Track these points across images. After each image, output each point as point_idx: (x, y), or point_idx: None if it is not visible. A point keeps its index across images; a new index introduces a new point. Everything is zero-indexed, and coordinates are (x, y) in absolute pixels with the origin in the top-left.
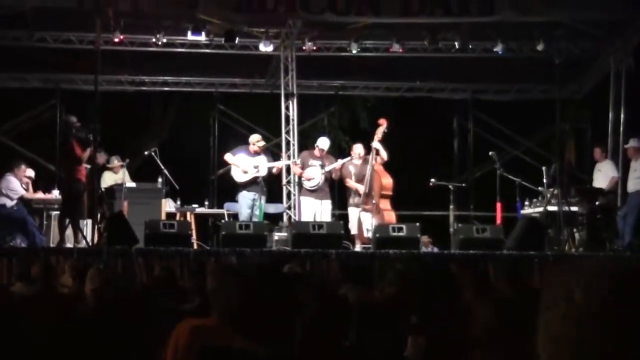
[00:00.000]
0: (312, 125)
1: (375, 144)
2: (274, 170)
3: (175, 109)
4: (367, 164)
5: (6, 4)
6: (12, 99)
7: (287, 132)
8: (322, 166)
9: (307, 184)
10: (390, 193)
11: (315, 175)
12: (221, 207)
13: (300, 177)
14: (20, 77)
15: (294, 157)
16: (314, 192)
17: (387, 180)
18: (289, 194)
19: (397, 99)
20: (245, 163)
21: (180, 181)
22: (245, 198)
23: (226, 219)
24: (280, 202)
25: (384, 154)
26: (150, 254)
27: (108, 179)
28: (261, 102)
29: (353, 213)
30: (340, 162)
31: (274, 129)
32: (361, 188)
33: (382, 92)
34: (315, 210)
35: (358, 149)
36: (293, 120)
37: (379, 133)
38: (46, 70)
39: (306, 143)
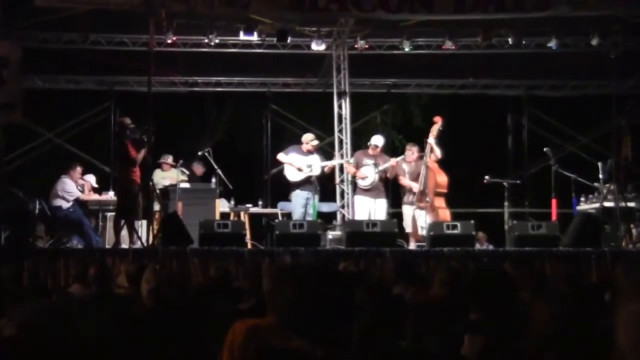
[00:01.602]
0: (365, 123)
1: (430, 140)
2: (327, 169)
3: (228, 109)
4: (421, 162)
5: (60, 7)
6: (67, 101)
7: (340, 131)
8: (376, 165)
9: (361, 183)
10: (444, 191)
11: (369, 174)
12: (275, 206)
13: (354, 176)
14: (74, 79)
15: (346, 156)
16: (368, 191)
17: (442, 178)
18: (342, 192)
19: (450, 97)
20: (298, 162)
21: (234, 181)
22: (299, 197)
23: (280, 218)
24: (334, 201)
25: (438, 152)
26: (205, 254)
27: (157, 177)
28: (314, 102)
29: (407, 211)
30: (393, 160)
31: (326, 128)
32: (415, 186)
33: (434, 90)
34: (370, 209)
35: (411, 149)
36: (346, 119)
37: (434, 130)
38: (100, 73)
39: (359, 142)
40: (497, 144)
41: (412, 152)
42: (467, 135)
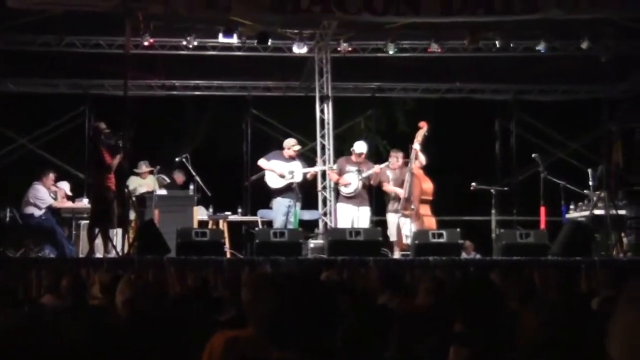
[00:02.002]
0: (349, 129)
1: (415, 146)
2: (309, 176)
3: (207, 114)
4: (406, 168)
5: (36, 9)
6: (41, 105)
7: (323, 137)
8: (360, 172)
9: (344, 190)
10: (430, 198)
11: (352, 181)
12: (255, 214)
13: (337, 183)
14: (48, 83)
15: (329, 162)
16: (351, 198)
17: (427, 185)
18: (324, 200)
19: (436, 101)
20: (280, 168)
21: (213, 188)
22: (280, 205)
23: (260, 227)
24: (316, 208)
25: (423, 158)
26: (183, 263)
27: (133, 183)
28: (295, 106)
29: (392, 219)
30: (377, 167)
31: (308, 133)
32: (400, 192)
33: (420, 94)
34: (353, 217)
35: (396, 155)
36: (328, 124)
37: (419, 136)
38: (75, 76)
39: (342, 148)
40: (485, 150)
41: (396, 158)
42: (453, 141)
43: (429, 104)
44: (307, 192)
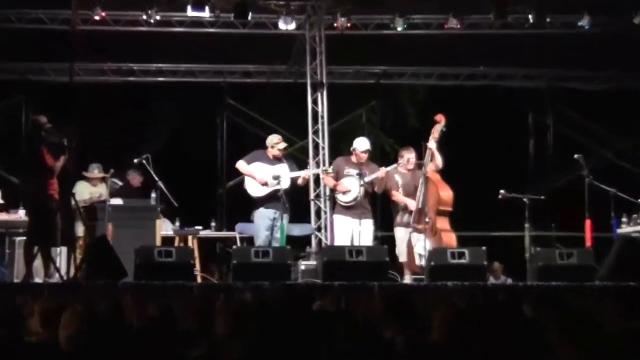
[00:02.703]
0: (348, 123)
1: (431, 144)
2: (299, 182)
3: (173, 105)
4: (419, 172)
5: None
6: None
7: (316, 133)
8: (361, 176)
9: (342, 199)
10: (449, 209)
11: (352, 187)
12: (232, 229)
13: (333, 190)
14: None
15: (324, 165)
16: (350, 208)
17: (446, 193)
18: (318, 211)
19: (454, 89)
20: (262, 173)
21: (180, 196)
22: (263, 217)
23: (239, 244)
24: (308, 221)
25: (439, 159)
26: (143, 289)
27: (83, 192)
28: (282, 95)
29: (401, 235)
30: (383, 170)
31: (298, 128)
32: (412, 203)
33: (435, 81)
34: (353, 232)
35: (407, 154)
36: (323, 117)
37: (436, 132)
38: (9, 58)
39: (340, 146)
40: (515, 149)
41: (407, 159)
42: (477, 139)
43: (446, 92)
44: (296, 202)
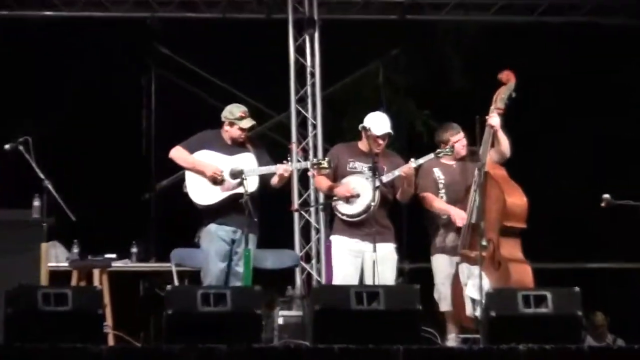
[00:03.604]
0: (353, 87)
1: (494, 120)
2: (275, 181)
3: (73, 55)
4: (472, 165)
5: None
6: None
7: (301, 102)
8: (376, 173)
9: (344, 210)
10: (521, 225)
11: (361, 190)
12: (165, 257)
13: (330, 196)
14: None
15: (316, 156)
16: (359, 226)
17: (517, 199)
18: (306, 229)
19: (525, 28)
20: (214, 165)
21: (80, 206)
22: (216, 239)
23: (176, 283)
24: (290, 247)
25: (506, 145)
26: (18, 357)
27: None
28: (246, 40)
29: (443, 267)
30: (412, 163)
31: (274, 94)
32: (461, 215)
33: (494, 16)
34: (364, 263)
35: (452, 136)
36: (313, 76)
37: (500, 100)
38: None
39: (341, 125)
40: (620, 130)
41: (451, 143)
42: (562, 113)
43: (514, 35)
44: (270, 214)
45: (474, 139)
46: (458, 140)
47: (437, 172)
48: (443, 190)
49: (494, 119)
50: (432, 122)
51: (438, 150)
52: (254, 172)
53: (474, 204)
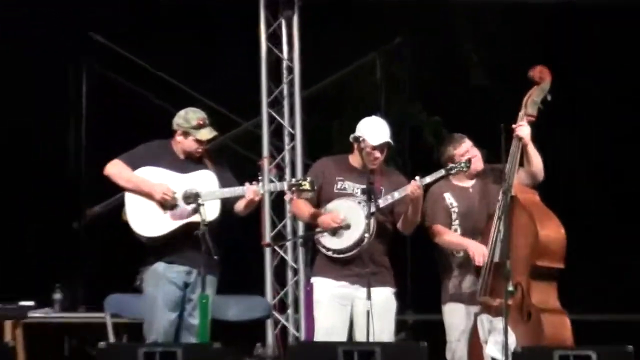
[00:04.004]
0: (343, 85)
1: (523, 130)
2: (240, 207)
3: None
4: (494, 187)
5: None
6: None
7: (275, 105)
8: (371, 194)
9: (330, 244)
10: (557, 265)
11: (353, 218)
12: (98, 305)
13: (312, 226)
14: None
15: (294, 176)
16: (348, 265)
17: (552, 231)
18: (280, 269)
19: (559, 9)
20: (164, 186)
21: None
22: (163, 282)
23: (111, 338)
24: (260, 293)
25: (537, 163)
26: None
27: None
28: (204, 24)
29: (457, 319)
30: (416, 183)
31: (240, 97)
32: (480, 251)
33: None
34: (354, 313)
35: (464, 147)
36: (292, 71)
37: (530, 105)
38: None
39: (325, 135)
40: None
41: (465, 156)
42: (609, 118)
43: (546, 19)
44: (234, 250)
45: (497, 154)
46: (464, 152)
47: (449, 198)
48: (457, 221)
49: (523, 129)
50: (444, 131)
51: (450, 165)
52: (214, 195)
53: (498, 238)
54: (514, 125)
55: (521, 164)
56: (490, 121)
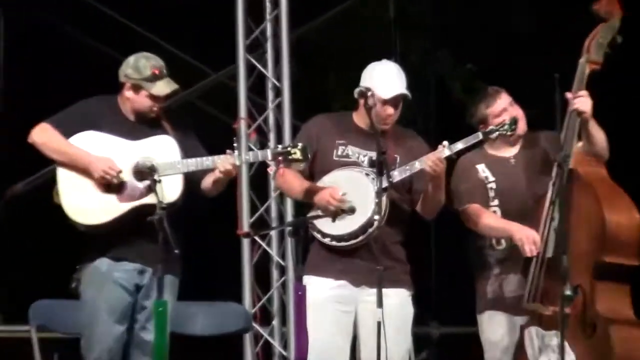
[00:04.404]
0: (344, 24)
1: (583, 105)
2: (209, 185)
3: None
4: (541, 157)
5: None
6: None
7: (256, 49)
8: (383, 165)
9: (328, 230)
10: (631, 262)
11: (358, 195)
12: (21, 315)
13: (306, 205)
14: None
15: (280, 142)
16: (351, 257)
17: (623, 217)
18: (262, 264)
19: None
20: (106, 158)
21: None
22: (108, 283)
23: (37, 358)
24: (236, 298)
25: (600, 139)
26: None
27: None
28: None
29: (498, 332)
30: (446, 150)
31: (209, 41)
32: (531, 238)
33: None
34: (360, 322)
35: (487, 106)
36: (277, 6)
37: (595, 49)
38: None
39: (322, 88)
40: None
41: (503, 116)
42: None
43: None
44: (203, 241)
45: (551, 118)
46: (500, 112)
47: (484, 171)
48: (496, 201)
49: (583, 102)
50: (478, 83)
51: (490, 127)
52: (175, 168)
53: (551, 226)
54: (569, 95)
55: (579, 139)
56: (539, 71)
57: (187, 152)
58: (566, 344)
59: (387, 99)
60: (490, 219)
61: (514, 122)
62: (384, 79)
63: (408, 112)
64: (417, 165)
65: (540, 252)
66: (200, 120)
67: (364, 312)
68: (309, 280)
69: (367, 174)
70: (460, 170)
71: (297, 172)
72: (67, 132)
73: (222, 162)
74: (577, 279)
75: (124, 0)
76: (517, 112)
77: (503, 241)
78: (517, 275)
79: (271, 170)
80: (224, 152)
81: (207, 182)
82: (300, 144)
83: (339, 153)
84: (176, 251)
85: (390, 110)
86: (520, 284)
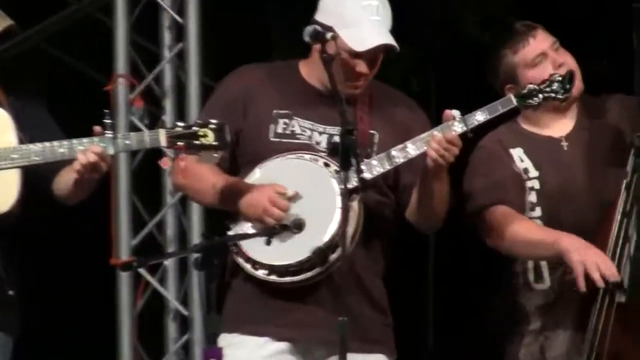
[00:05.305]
0: None
1: None
2: (67, 185)
3: None
4: (608, 137)
5: None
6: None
7: None
8: (351, 152)
9: (261, 255)
10: None
11: (313, 199)
12: None
13: (227, 217)
14: None
15: (182, 116)
16: (298, 299)
17: None
18: (150, 316)
19: None
20: None
21: None
22: None
23: None
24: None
25: None
26: None
27: None
28: None
29: None
30: (458, 123)
31: None
32: (587, 261)
33: None
34: None
35: (518, 49)
36: None
37: None
38: None
39: (255, 21)
40: None
41: (530, 73)
42: None
43: None
44: (58, 273)
45: (627, 73)
46: (536, 57)
47: (523, 158)
48: (538, 209)
49: None
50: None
51: (529, 87)
52: (7, 159)
53: (625, 249)
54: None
55: None
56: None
57: (31, 133)
58: None
59: (361, 51)
60: (528, 226)
61: (570, 77)
62: (357, 16)
63: (395, 65)
64: (411, 149)
65: (607, 292)
66: (54, 79)
67: None
68: (230, 341)
69: (325, 165)
70: (482, 157)
71: (213, 167)
72: None
73: (86, 151)
74: None
75: None
76: (567, 60)
77: (546, 275)
78: (568, 332)
79: (165, 163)
80: (89, 133)
81: (62, 181)
82: (213, 120)
83: (280, 130)
84: (10, 292)
85: (362, 67)
86: (574, 344)
